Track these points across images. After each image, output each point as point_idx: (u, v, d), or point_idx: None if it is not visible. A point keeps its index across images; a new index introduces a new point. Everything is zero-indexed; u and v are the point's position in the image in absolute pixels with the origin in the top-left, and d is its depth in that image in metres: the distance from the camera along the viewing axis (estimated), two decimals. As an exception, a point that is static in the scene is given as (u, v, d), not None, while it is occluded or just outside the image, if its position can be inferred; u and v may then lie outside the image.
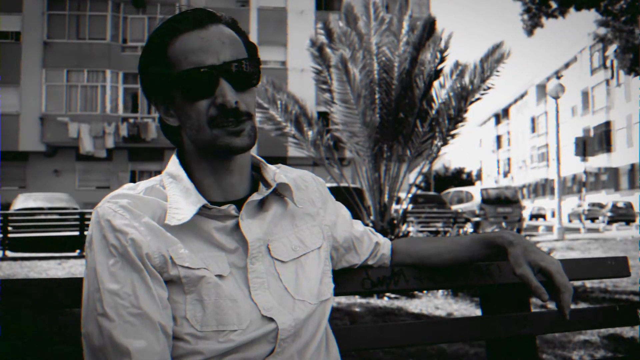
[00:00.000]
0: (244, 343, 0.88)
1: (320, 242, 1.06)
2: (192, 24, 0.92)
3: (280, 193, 1.03)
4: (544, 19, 14.62)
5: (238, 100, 0.91)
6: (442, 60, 6.77)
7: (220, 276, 0.90)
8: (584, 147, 16.00)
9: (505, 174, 60.15)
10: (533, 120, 50.70)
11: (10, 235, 10.90)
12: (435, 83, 6.88)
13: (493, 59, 6.52)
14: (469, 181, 52.48)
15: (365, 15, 7.13)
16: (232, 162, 0.96)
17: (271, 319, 0.91)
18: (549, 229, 21.76)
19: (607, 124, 37.82)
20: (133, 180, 22.31)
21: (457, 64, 6.84)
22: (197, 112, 0.91)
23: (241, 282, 0.92)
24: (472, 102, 6.67)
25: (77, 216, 11.40)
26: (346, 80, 6.23)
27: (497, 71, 6.52)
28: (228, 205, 0.94)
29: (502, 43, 6.60)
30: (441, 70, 6.81)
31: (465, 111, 6.70)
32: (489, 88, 6.61)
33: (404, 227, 7.63)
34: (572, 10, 14.17)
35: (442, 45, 6.70)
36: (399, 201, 9.36)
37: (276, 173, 1.03)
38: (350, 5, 7.30)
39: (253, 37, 22.00)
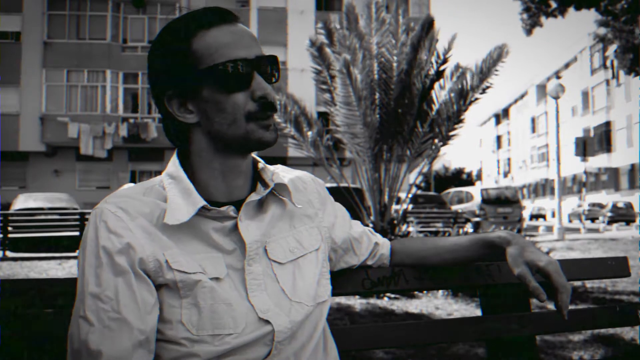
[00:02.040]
0: (240, 346, 0.88)
1: (318, 243, 1.05)
2: (220, 19, 0.94)
3: (278, 194, 1.02)
4: (543, 18, 14.63)
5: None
6: (445, 61, 6.77)
7: (216, 279, 0.90)
8: (584, 147, 15.99)
9: (505, 174, 60.14)
10: (533, 120, 50.69)
11: (10, 235, 10.91)
12: (436, 84, 6.88)
13: (492, 58, 6.52)
14: (469, 181, 52.49)
15: (367, 15, 7.13)
16: (244, 161, 0.97)
17: (267, 322, 0.91)
18: (549, 229, 21.76)
19: (607, 124, 37.81)
20: (133, 180, 22.33)
21: (457, 67, 6.85)
22: (233, 106, 0.92)
23: (238, 283, 0.92)
24: (471, 102, 6.66)
25: (77, 216, 11.41)
26: (349, 84, 6.23)
27: (497, 70, 6.51)
28: (227, 206, 0.94)
29: (504, 45, 6.59)
30: (443, 71, 6.80)
31: (465, 111, 6.70)
32: (488, 87, 6.60)
33: (404, 227, 7.64)
34: (571, 9, 14.18)
35: (446, 46, 6.70)
36: (399, 201, 9.37)
37: (274, 173, 1.03)
38: (352, 5, 7.30)
39: (253, 37, 21.98)
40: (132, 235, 0.87)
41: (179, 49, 0.92)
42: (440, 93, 6.85)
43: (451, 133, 6.81)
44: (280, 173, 1.07)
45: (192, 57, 0.91)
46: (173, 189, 0.94)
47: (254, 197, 0.97)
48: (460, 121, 6.75)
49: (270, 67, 0.96)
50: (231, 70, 0.90)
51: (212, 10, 0.94)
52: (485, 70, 6.53)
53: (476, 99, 6.66)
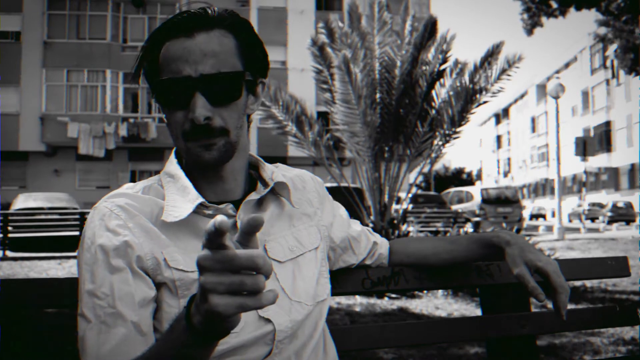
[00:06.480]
0: (241, 345, 0.88)
1: (317, 242, 1.05)
2: (180, 30, 0.90)
3: (277, 193, 1.02)
4: (543, 19, 14.63)
5: (212, 115, 0.88)
6: (445, 60, 6.76)
7: None
8: (584, 147, 15.97)
9: (505, 174, 60.13)
10: (533, 120, 50.68)
11: (10, 235, 10.90)
12: (437, 83, 6.87)
13: (502, 61, 6.48)
14: (469, 181, 52.42)
15: (369, 14, 7.13)
16: (221, 169, 0.95)
17: (268, 320, 0.91)
18: (549, 228, 21.75)
19: (607, 123, 37.81)
20: (133, 180, 22.30)
21: (456, 62, 6.82)
22: (174, 122, 0.91)
23: None
24: (479, 105, 6.64)
25: (77, 216, 11.43)
26: (348, 81, 6.23)
27: (509, 75, 6.49)
28: (225, 204, 0.94)
29: (502, 43, 6.58)
30: (444, 70, 6.80)
31: (469, 112, 6.67)
32: (499, 91, 6.58)
33: (404, 227, 7.63)
34: (572, 9, 14.17)
35: (445, 46, 6.70)
36: (399, 201, 9.36)
37: (274, 172, 1.03)
38: (355, 4, 7.29)
39: (253, 37, 21.96)
40: (130, 233, 0.87)
41: (151, 57, 0.94)
42: (441, 91, 6.83)
43: (453, 133, 6.79)
44: (280, 171, 1.07)
45: (157, 67, 0.92)
46: (171, 187, 0.94)
47: (253, 196, 0.97)
48: (463, 122, 6.73)
49: (224, 84, 0.89)
50: (169, 87, 0.89)
51: (181, 19, 0.92)
52: (492, 74, 6.49)
53: (485, 101, 6.64)
